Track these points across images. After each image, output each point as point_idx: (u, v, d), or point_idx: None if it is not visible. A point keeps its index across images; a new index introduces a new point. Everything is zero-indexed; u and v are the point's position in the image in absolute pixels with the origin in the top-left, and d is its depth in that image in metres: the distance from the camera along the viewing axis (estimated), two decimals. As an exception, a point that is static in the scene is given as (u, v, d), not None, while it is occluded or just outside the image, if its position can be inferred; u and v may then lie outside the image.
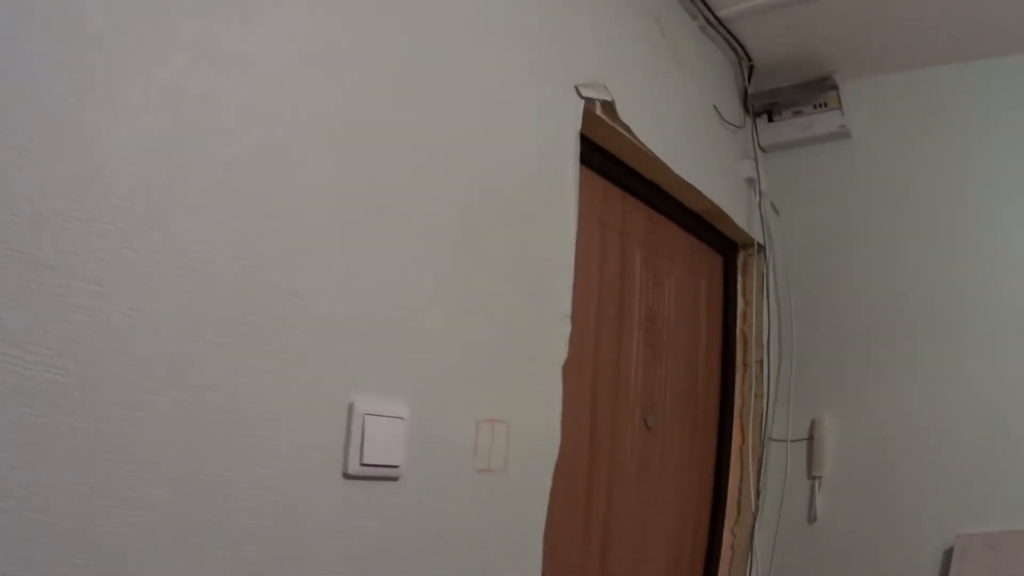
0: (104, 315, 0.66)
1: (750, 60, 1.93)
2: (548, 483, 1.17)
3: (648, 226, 1.64)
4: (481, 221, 1.07)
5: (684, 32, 1.70)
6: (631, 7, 1.49)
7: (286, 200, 0.82)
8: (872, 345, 1.81)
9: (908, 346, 1.77)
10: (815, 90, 1.90)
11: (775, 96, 1.93)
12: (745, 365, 1.92)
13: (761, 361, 1.91)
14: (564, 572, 1.31)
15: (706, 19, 1.75)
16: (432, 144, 1.00)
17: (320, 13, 0.87)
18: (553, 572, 1.22)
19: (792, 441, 1.88)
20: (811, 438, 1.85)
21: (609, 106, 1.35)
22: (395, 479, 0.93)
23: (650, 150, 1.47)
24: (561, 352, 1.21)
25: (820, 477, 1.82)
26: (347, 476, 0.87)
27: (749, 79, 1.95)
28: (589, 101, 1.30)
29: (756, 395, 1.90)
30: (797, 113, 1.94)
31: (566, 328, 1.22)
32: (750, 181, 1.92)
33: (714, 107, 1.79)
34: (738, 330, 1.94)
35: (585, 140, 1.33)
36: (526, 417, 1.13)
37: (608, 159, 1.48)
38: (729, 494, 1.85)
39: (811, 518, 1.82)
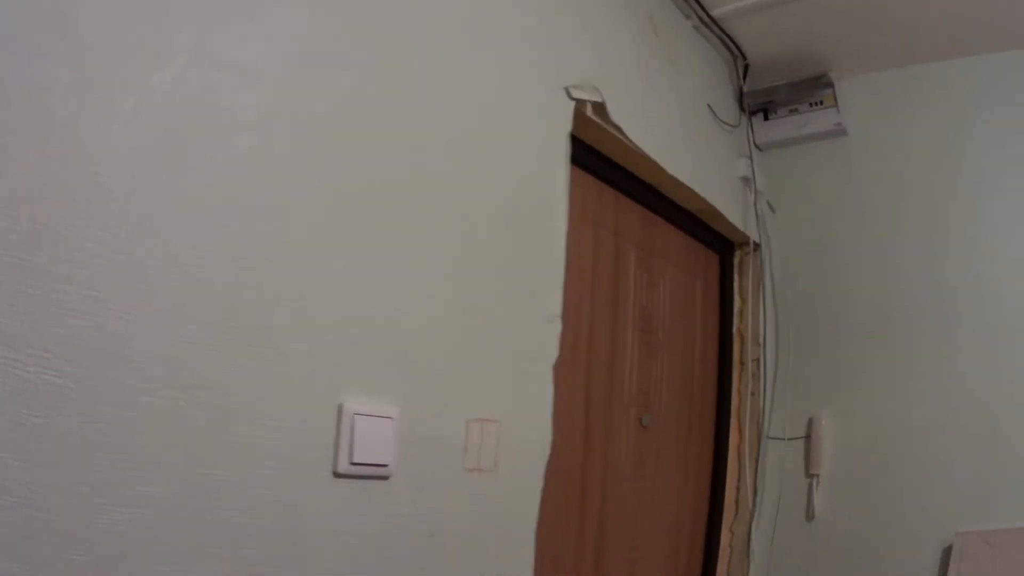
0: (100, 319, 0.68)
1: (745, 59, 1.93)
2: (540, 482, 1.18)
3: (643, 226, 1.65)
4: (471, 223, 1.09)
5: (678, 31, 1.71)
6: (624, 7, 1.50)
7: (279, 203, 0.84)
8: (869, 343, 1.81)
9: (905, 343, 1.77)
10: (811, 88, 1.90)
11: (771, 94, 1.94)
12: (742, 364, 1.93)
13: (758, 359, 1.91)
14: (558, 571, 1.32)
15: (700, 18, 1.75)
16: (423, 146, 1.01)
17: (317, 15, 0.88)
18: (546, 571, 1.23)
19: (789, 439, 1.88)
20: (808, 436, 1.85)
21: (600, 107, 1.36)
22: (385, 478, 0.94)
23: (642, 150, 1.48)
24: (552, 352, 1.22)
25: (818, 475, 1.82)
26: (337, 475, 0.88)
27: (744, 78, 1.95)
28: (580, 102, 1.31)
29: (753, 393, 1.90)
30: (793, 111, 1.94)
31: (557, 328, 1.23)
32: (746, 180, 1.92)
33: (708, 106, 1.80)
34: (735, 329, 1.94)
35: (577, 141, 1.34)
36: (517, 417, 1.15)
37: (601, 160, 1.49)
38: (727, 493, 1.85)
39: (809, 516, 1.82)
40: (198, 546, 0.74)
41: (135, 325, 0.70)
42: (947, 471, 1.66)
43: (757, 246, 1.96)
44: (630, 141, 1.44)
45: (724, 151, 1.86)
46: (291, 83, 0.85)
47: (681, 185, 1.63)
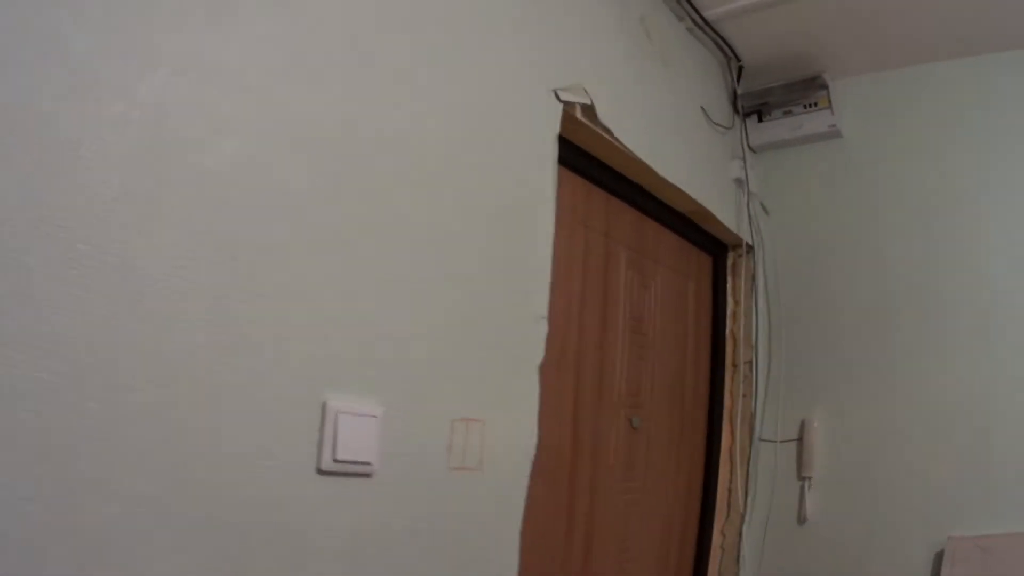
0: (88, 317, 0.69)
1: (739, 60, 1.93)
2: (525, 482, 1.19)
3: (634, 227, 1.66)
4: (456, 224, 1.09)
5: (671, 33, 1.71)
6: (616, 10, 1.50)
7: (266, 205, 0.85)
8: (861, 345, 1.81)
9: (898, 346, 1.76)
10: (805, 90, 1.90)
11: (765, 96, 1.94)
12: (735, 365, 1.93)
13: (751, 361, 1.91)
14: (545, 571, 1.32)
15: (693, 20, 1.75)
16: (408, 149, 1.02)
17: (300, 22, 0.89)
18: (533, 571, 1.24)
19: (781, 442, 1.88)
20: (801, 439, 1.85)
21: (589, 109, 1.36)
22: (369, 476, 0.95)
23: (632, 152, 1.48)
24: (538, 352, 1.22)
25: (810, 478, 1.82)
26: (321, 472, 0.89)
27: (738, 79, 1.95)
28: (568, 104, 1.31)
29: (745, 395, 1.91)
30: (787, 113, 1.94)
31: (543, 329, 1.23)
32: (739, 182, 1.92)
33: (702, 108, 1.80)
34: (728, 330, 1.94)
35: (566, 143, 1.35)
36: (502, 416, 1.15)
37: (591, 161, 1.49)
38: (719, 495, 1.85)
39: (801, 519, 1.82)
40: (182, 540, 0.75)
41: (123, 324, 0.72)
42: (940, 475, 1.65)
43: (750, 248, 1.96)
44: (620, 143, 1.44)
45: (717, 153, 1.87)
46: (277, 88, 0.87)
47: (673, 187, 1.64)
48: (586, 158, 1.47)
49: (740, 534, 1.82)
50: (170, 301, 0.76)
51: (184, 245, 0.77)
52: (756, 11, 1.73)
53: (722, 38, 1.84)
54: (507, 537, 1.16)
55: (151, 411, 0.73)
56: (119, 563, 0.71)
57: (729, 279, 1.97)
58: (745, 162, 1.92)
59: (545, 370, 1.23)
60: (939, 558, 1.61)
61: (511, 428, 1.18)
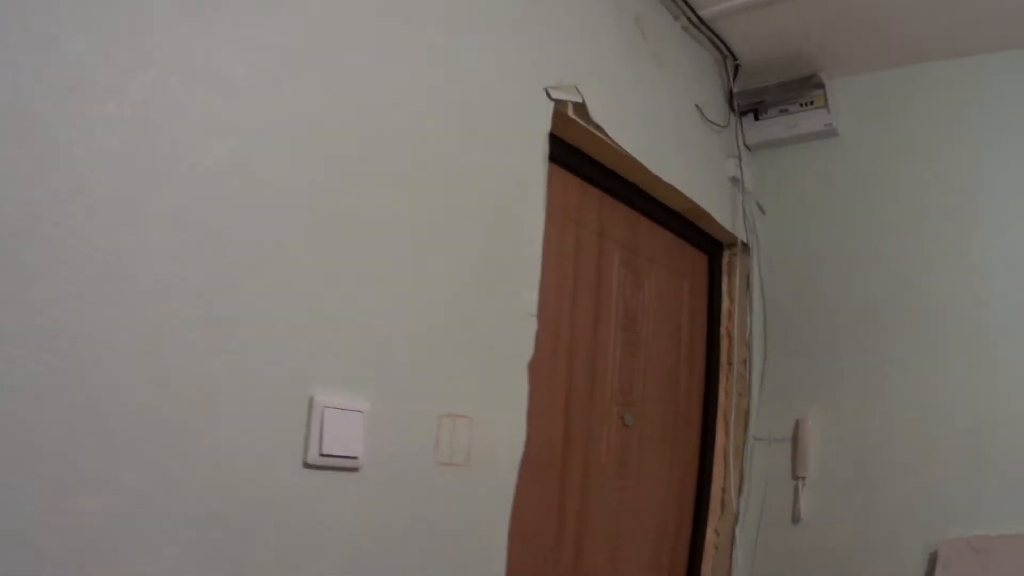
0: (81, 314, 0.70)
1: (735, 59, 1.93)
2: (513, 478, 1.19)
3: (628, 225, 1.66)
4: (446, 220, 1.10)
5: (666, 32, 1.71)
6: (611, 8, 1.50)
7: (256, 203, 0.86)
8: (856, 345, 1.81)
9: (893, 346, 1.76)
10: (801, 88, 1.90)
11: (761, 95, 1.93)
12: (729, 364, 1.93)
13: (745, 360, 1.91)
14: (534, 567, 1.33)
15: (688, 19, 1.75)
16: (398, 146, 1.03)
17: (293, 22, 0.90)
18: (523, 567, 1.24)
19: (776, 441, 1.88)
20: (795, 438, 1.85)
21: (581, 107, 1.37)
22: (355, 470, 0.96)
23: (625, 150, 1.48)
24: (527, 349, 1.23)
25: (804, 477, 1.82)
26: (307, 465, 0.90)
27: (734, 78, 1.95)
28: (560, 103, 1.32)
29: (740, 394, 1.90)
30: (783, 112, 1.94)
31: (532, 326, 1.24)
32: (734, 180, 1.92)
33: (697, 107, 1.80)
34: (723, 329, 1.94)
35: (559, 141, 1.35)
36: (490, 413, 1.16)
37: (584, 159, 1.50)
38: (712, 493, 1.85)
39: (795, 518, 1.81)
40: (170, 531, 0.76)
41: (114, 320, 0.73)
42: (935, 475, 1.65)
43: (745, 246, 1.96)
44: (612, 141, 1.45)
45: (713, 151, 1.87)
46: (268, 88, 0.88)
47: (667, 185, 1.64)
48: (579, 156, 1.48)
49: (733, 533, 1.82)
50: (161, 298, 0.77)
51: (175, 242, 0.78)
52: (752, 9, 1.73)
53: (718, 36, 1.84)
54: (495, 533, 1.16)
55: (141, 404, 0.74)
56: (107, 556, 0.71)
57: (724, 278, 1.97)
58: (740, 160, 1.91)
59: (535, 367, 1.24)
60: (933, 559, 1.61)
61: (500, 425, 1.18)
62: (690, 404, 1.85)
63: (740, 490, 1.85)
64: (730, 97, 1.96)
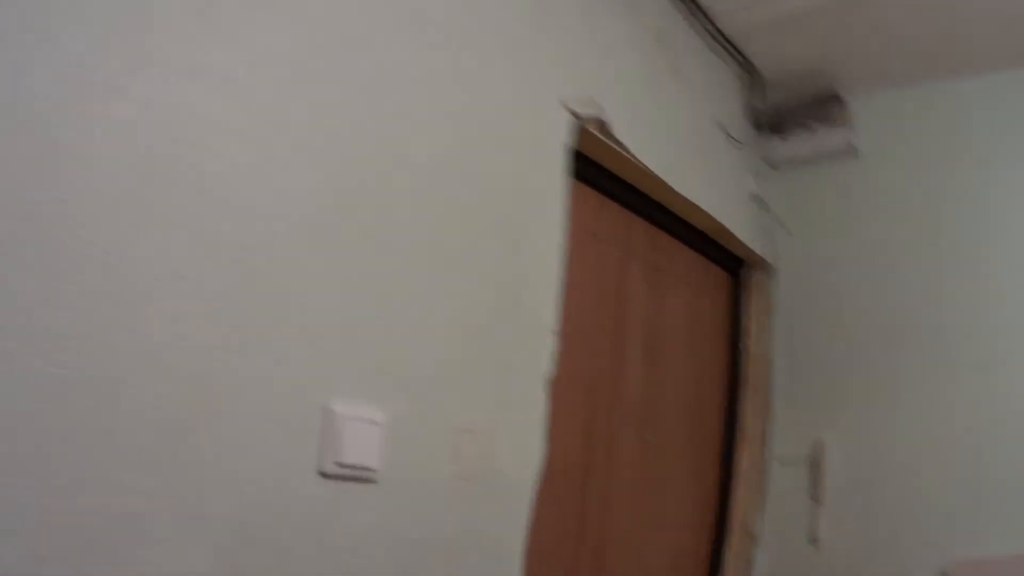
0: (94, 317, 0.71)
1: (757, 76, 1.92)
2: (529, 493, 1.18)
3: (649, 242, 1.65)
4: (465, 233, 1.10)
5: (687, 48, 1.71)
6: (632, 23, 1.51)
7: (272, 211, 0.86)
8: (876, 366, 1.77)
9: (911, 368, 1.72)
10: (824, 106, 1.88)
11: (783, 112, 1.92)
12: (750, 383, 1.90)
13: (766, 380, 1.88)
14: (551, 585, 1.31)
15: (711, 35, 1.76)
16: (416, 157, 1.04)
17: (303, 27, 0.90)
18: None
19: (795, 462, 1.84)
20: (814, 459, 1.81)
21: (603, 123, 1.37)
22: (372, 481, 0.96)
23: (647, 167, 1.48)
24: (546, 365, 1.22)
25: (822, 498, 1.78)
26: (323, 475, 0.90)
27: (756, 95, 1.94)
28: (580, 117, 1.32)
29: (760, 414, 1.87)
30: (805, 129, 1.92)
31: (551, 341, 1.24)
32: (756, 198, 1.90)
33: (719, 124, 1.80)
34: (744, 348, 1.91)
35: (580, 156, 1.36)
36: (507, 428, 1.15)
37: (605, 175, 1.50)
38: (731, 513, 1.82)
39: (812, 539, 1.77)
40: (182, 535, 0.76)
41: (127, 323, 0.73)
42: (954, 497, 1.61)
43: (768, 265, 1.93)
44: (634, 157, 1.45)
45: (735, 169, 1.85)
46: (283, 96, 0.88)
47: (688, 203, 1.63)
48: (600, 171, 1.48)
49: (752, 553, 1.77)
50: (174, 301, 0.77)
51: (189, 246, 0.78)
52: (775, 27, 1.73)
53: (740, 53, 1.84)
54: (511, 549, 1.15)
55: (154, 408, 0.75)
56: (116, 557, 0.71)
57: (746, 296, 1.95)
58: (762, 178, 1.90)
59: (555, 384, 1.23)
60: (948, 580, 1.56)
61: (517, 440, 1.17)
62: (710, 423, 1.82)
63: (759, 510, 1.81)
64: (752, 114, 1.95)
